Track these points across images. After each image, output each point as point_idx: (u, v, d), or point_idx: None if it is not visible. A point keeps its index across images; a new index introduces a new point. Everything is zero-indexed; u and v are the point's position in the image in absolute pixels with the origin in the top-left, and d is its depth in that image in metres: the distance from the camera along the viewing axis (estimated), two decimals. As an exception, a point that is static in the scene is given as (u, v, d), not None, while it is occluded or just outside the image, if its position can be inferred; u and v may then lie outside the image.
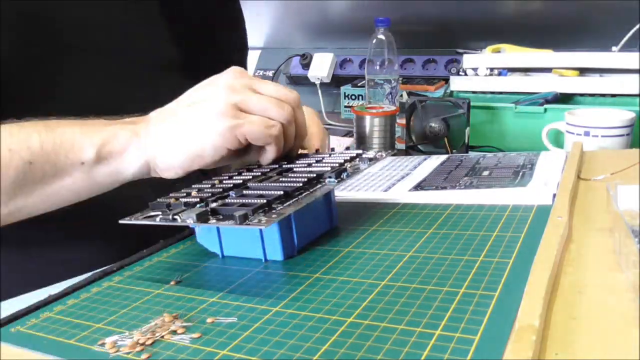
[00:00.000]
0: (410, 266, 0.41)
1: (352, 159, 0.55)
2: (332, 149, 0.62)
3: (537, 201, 0.51)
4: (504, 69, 1.07)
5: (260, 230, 0.45)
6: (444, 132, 0.88)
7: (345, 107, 1.32)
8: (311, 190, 0.46)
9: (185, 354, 0.33)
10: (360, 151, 0.58)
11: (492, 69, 1.06)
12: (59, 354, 0.34)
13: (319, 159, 0.56)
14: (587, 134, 0.83)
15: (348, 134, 1.42)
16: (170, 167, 0.49)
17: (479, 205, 0.53)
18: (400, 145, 0.94)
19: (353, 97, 1.31)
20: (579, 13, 1.22)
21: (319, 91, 1.45)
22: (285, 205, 0.43)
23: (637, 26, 1.04)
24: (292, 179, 0.48)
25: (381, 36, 1.05)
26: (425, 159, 0.75)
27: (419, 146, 0.91)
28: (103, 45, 0.60)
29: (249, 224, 0.39)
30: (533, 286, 0.34)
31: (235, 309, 0.38)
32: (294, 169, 0.53)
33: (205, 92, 0.50)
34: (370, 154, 0.57)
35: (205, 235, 0.48)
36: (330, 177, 0.49)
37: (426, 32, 1.42)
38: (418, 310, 0.35)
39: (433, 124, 0.89)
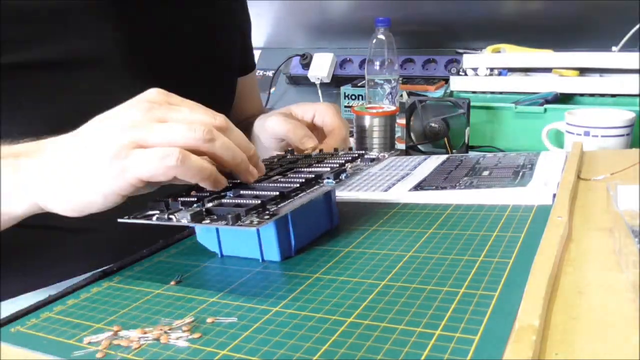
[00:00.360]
0: (410, 266, 0.41)
1: (354, 159, 0.55)
2: (335, 149, 0.62)
3: (537, 201, 0.51)
4: (504, 69, 1.07)
5: (258, 230, 0.45)
6: (444, 132, 0.88)
7: (345, 107, 1.32)
8: (308, 191, 0.46)
9: (185, 354, 0.33)
10: (362, 152, 0.58)
11: (492, 69, 1.06)
12: (59, 354, 0.34)
13: (320, 159, 0.56)
14: (587, 134, 0.83)
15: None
16: (62, 210, 0.44)
17: (479, 205, 0.53)
18: (400, 145, 0.94)
19: (353, 97, 1.31)
20: (579, 13, 1.22)
21: (319, 91, 1.45)
22: (280, 206, 0.43)
23: (637, 26, 1.04)
24: (290, 180, 0.48)
25: (381, 36, 1.05)
26: (425, 159, 0.75)
27: (418, 146, 0.91)
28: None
29: (241, 225, 0.39)
30: (533, 286, 0.34)
31: (235, 309, 0.38)
32: (295, 169, 0.53)
33: (100, 129, 0.43)
34: (373, 154, 0.57)
35: (205, 234, 0.49)
36: (328, 178, 0.49)
37: (426, 32, 1.42)
38: (418, 310, 0.35)
39: (433, 124, 0.89)
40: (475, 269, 0.39)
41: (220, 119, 0.44)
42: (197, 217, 0.41)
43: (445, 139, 0.88)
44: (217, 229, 0.47)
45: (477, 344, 0.30)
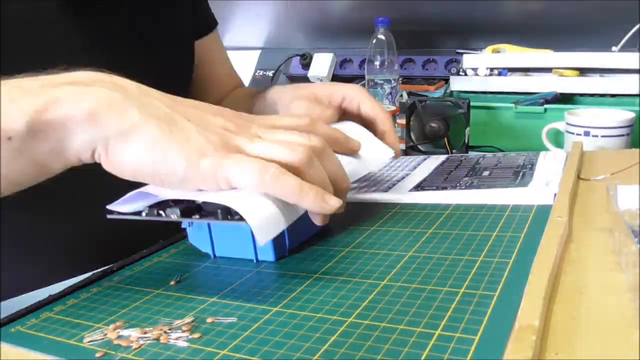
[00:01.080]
0: (410, 266, 0.41)
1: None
2: None
3: (538, 201, 0.51)
4: (504, 69, 1.07)
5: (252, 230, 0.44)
6: (444, 132, 0.88)
7: (345, 107, 1.32)
8: None
9: (185, 354, 0.33)
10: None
11: (492, 69, 1.07)
12: (59, 354, 0.34)
13: None
14: (587, 134, 0.83)
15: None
16: (120, 167, 0.39)
17: (479, 206, 0.53)
18: (400, 145, 0.94)
19: (353, 97, 1.31)
20: (578, 13, 1.22)
21: (319, 91, 1.45)
22: None
23: (637, 26, 1.04)
24: None
25: (381, 36, 1.05)
26: (425, 159, 0.75)
27: (418, 146, 0.91)
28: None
29: (231, 220, 0.39)
30: (533, 286, 0.34)
31: (235, 309, 0.38)
32: None
33: (201, 116, 0.42)
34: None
35: (197, 235, 0.48)
36: None
37: (426, 32, 1.42)
38: (418, 310, 0.35)
39: (433, 124, 0.89)
40: (475, 269, 0.39)
41: (315, 139, 0.43)
42: (187, 212, 0.41)
43: (445, 139, 0.88)
44: (209, 229, 0.47)
45: (477, 344, 0.30)
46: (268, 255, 0.45)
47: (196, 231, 0.48)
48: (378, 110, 0.60)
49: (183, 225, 0.48)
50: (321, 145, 0.43)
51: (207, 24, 0.80)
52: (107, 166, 0.40)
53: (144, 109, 0.39)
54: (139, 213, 0.43)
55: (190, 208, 0.42)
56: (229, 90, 0.84)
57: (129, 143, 0.38)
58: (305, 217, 0.48)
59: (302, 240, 0.48)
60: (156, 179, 0.40)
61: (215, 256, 0.48)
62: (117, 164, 0.39)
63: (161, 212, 0.42)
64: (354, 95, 0.61)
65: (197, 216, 0.41)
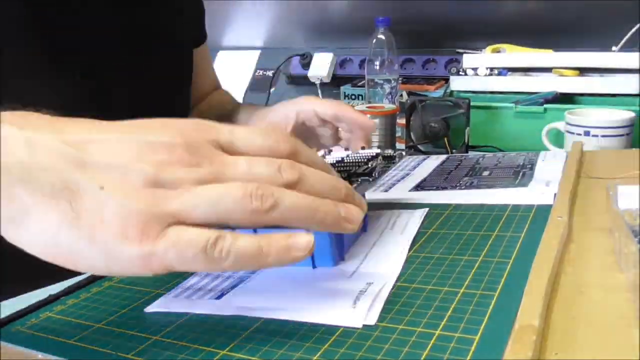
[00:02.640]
0: (410, 266, 0.41)
1: (373, 158, 0.55)
2: (347, 149, 0.62)
3: (538, 201, 0.51)
4: (504, 68, 1.07)
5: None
6: (444, 132, 0.88)
7: (346, 106, 1.32)
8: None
9: (184, 354, 0.33)
10: (378, 150, 0.57)
11: (492, 69, 1.07)
12: (59, 353, 0.34)
13: (339, 159, 0.55)
14: (587, 133, 0.83)
15: (348, 133, 1.42)
16: (25, 248, 0.31)
17: (478, 205, 0.53)
18: (400, 145, 0.94)
19: (353, 97, 1.31)
20: (579, 13, 1.22)
21: (319, 91, 1.45)
22: None
23: (637, 26, 1.04)
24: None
25: (381, 36, 1.05)
26: (424, 159, 0.75)
27: (418, 146, 0.91)
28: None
29: None
30: (533, 286, 0.34)
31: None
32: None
33: (122, 166, 0.31)
34: (389, 151, 0.56)
35: None
36: (364, 176, 0.48)
37: (426, 32, 1.42)
38: (418, 310, 0.35)
39: (433, 124, 0.89)
40: (475, 269, 0.39)
41: (290, 174, 0.33)
42: None
43: (445, 139, 0.88)
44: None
45: (477, 344, 0.30)
46: (326, 261, 0.43)
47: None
48: (335, 105, 0.62)
49: None
50: (297, 177, 0.33)
51: (203, 33, 0.84)
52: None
53: (32, 186, 0.29)
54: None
55: None
56: (208, 92, 0.86)
57: (24, 229, 0.30)
58: None
59: (350, 245, 0.46)
60: (75, 267, 0.31)
61: None
62: (20, 246, 0.31)
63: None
64: (305, 105, 0.63)
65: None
